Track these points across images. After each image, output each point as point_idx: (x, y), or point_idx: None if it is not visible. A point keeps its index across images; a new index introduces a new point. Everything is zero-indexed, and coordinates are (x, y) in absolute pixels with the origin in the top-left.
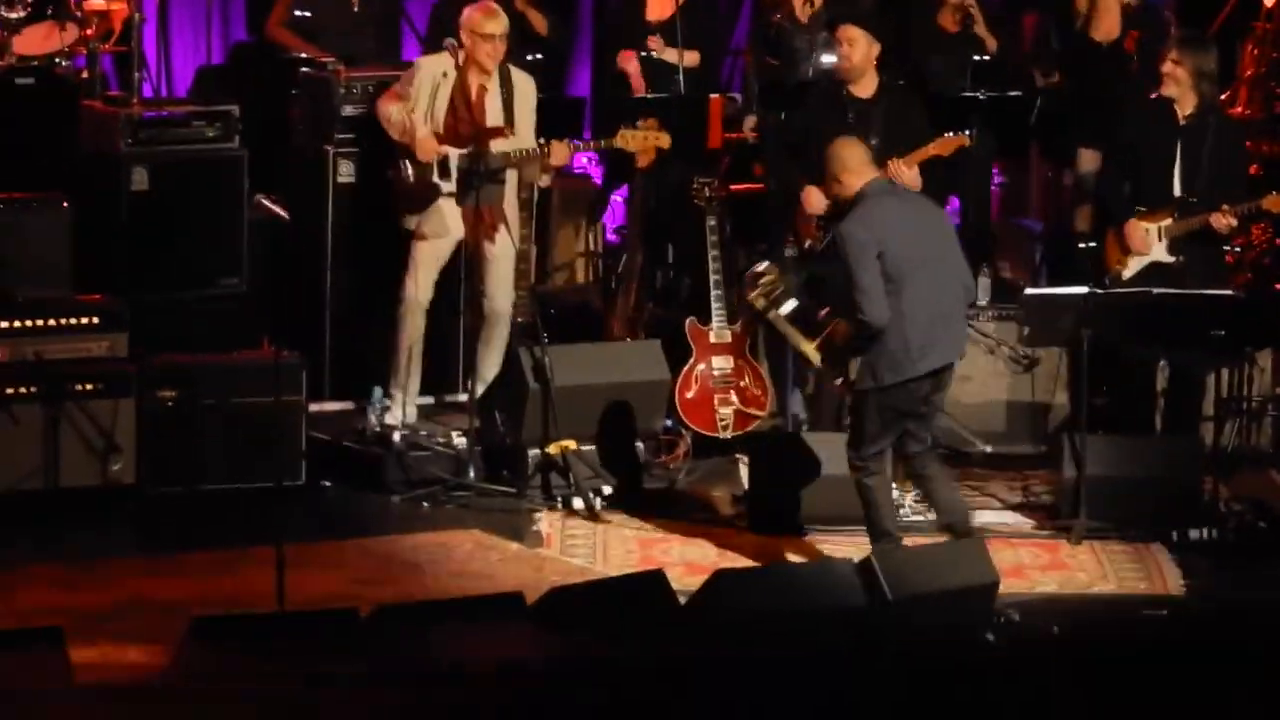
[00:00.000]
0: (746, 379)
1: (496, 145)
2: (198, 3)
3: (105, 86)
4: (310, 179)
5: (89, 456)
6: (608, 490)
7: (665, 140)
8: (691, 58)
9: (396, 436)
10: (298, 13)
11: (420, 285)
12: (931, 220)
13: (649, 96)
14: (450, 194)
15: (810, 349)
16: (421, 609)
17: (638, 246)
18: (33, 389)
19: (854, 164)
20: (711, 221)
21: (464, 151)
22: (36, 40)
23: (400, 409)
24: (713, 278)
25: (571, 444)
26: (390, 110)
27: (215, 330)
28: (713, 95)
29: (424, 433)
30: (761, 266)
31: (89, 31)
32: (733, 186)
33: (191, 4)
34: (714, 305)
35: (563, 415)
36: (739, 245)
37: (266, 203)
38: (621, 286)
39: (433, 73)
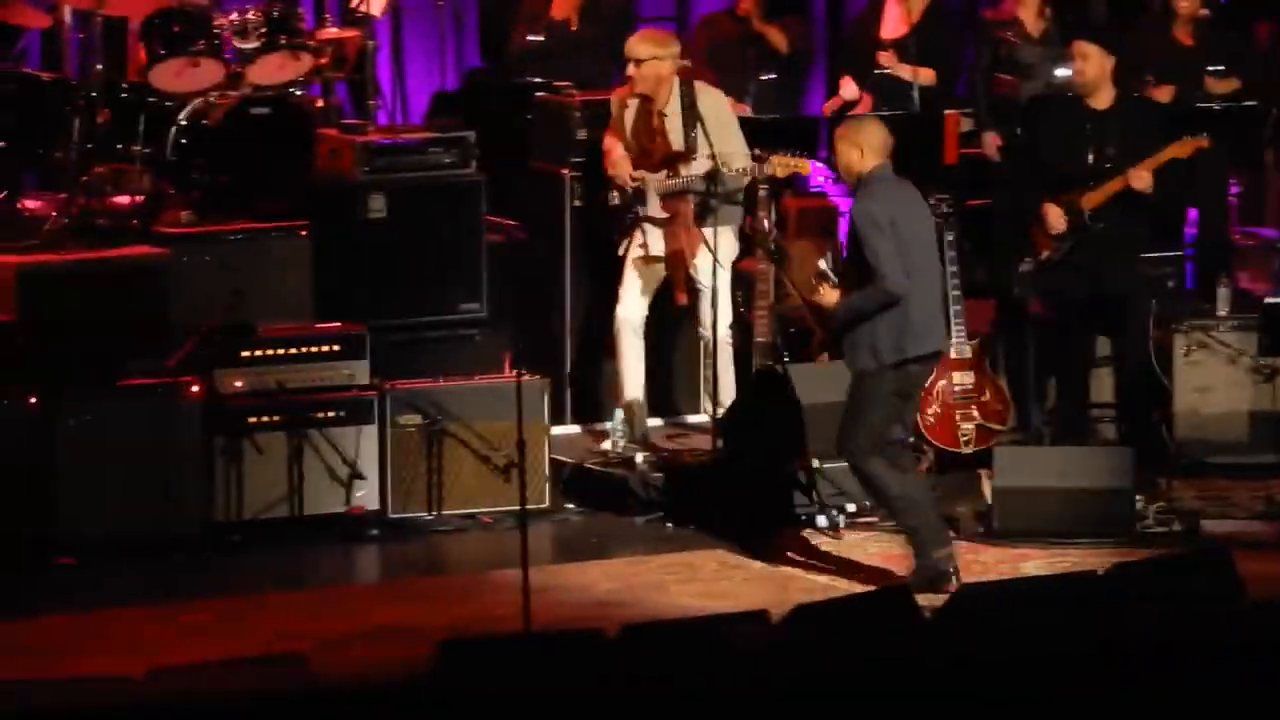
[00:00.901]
0: (987, 394)
1: (690, 168)
2: (431, 30)
3: (340, 115)
4: (547, 203)
5: (332, 484)
6: (851, 508)
7: (806, 167)
8: (927, 75)
9: (640, 458)
10: (530, 37)
11: (629, 306)
12: (927, 213)
13: (884, 114)
14: (650, 218)
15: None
16: (668, 629)
17: None
18: (276, 418)
19: (877, 144)
20: (948, 237)
21: (658, 176)
22: (271, 70)
23: (628, 430)
24: (950, 294)
25: (814, 462)
26: (605, 141)
27: (456, 355)
28: (947, 112)
29: (666, 454)
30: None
31: (323, 60)
32: (968, 202)
33: (425, 31)
34: (952, 321)
35: (805, 434)
36: (975, 261)
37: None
38: None
39: (620, 102)
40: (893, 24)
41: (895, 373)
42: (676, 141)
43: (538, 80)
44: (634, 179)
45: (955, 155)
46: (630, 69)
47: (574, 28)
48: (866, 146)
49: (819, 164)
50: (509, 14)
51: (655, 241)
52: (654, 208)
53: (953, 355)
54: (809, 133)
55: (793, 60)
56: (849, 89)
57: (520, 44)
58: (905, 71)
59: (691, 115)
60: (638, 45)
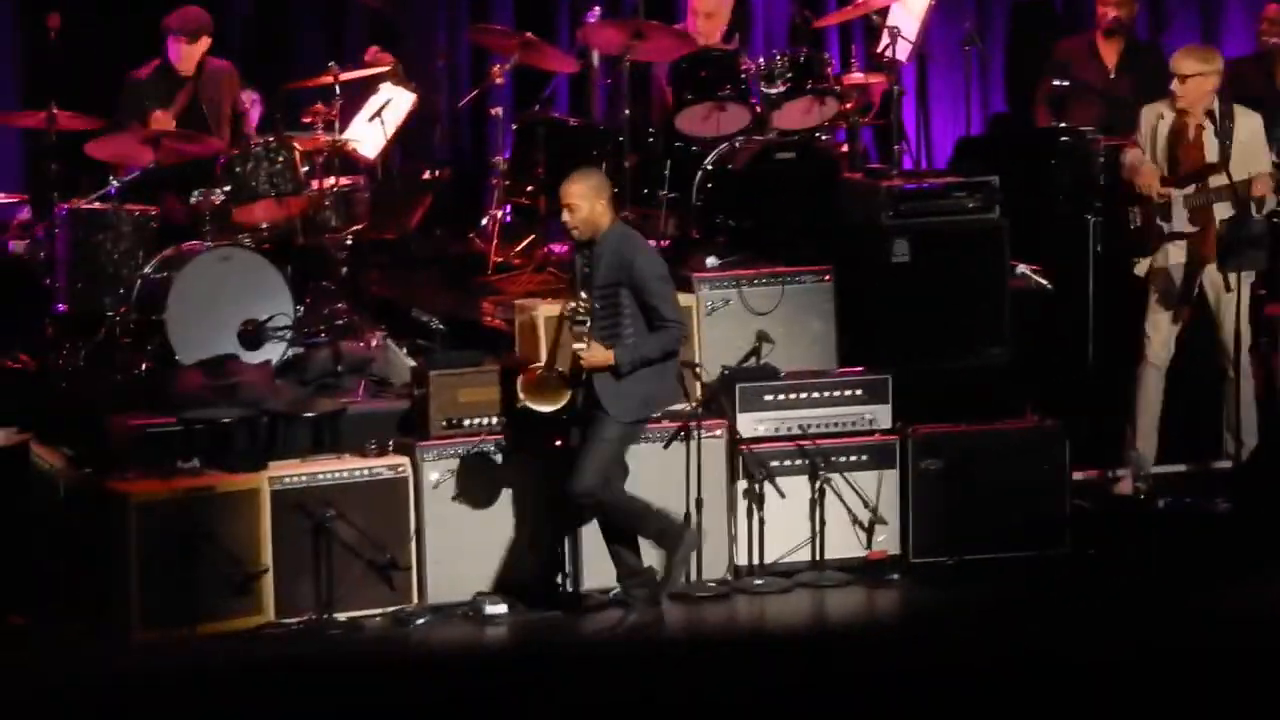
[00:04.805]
0: None
1: (1216, 180)
2: (956, 75)
3: (865, 160)
4: (1071, 248)
5: (853, 528)
6: None
7: None
8: None
9: (1161, 503)
10: (1055, 83)
11: (1157, 347)
12: None
13: None
14: (1175, 236)
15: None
16: None
17: None
18: (798, 461)
19: (609, 196)
20: None
21: (1187, 193)
22: (796, 115)
23: (1147, 473)
24: None
25: None
26: (1125, 155)
27: (979, 399)
28: None
29: (1187, 499)
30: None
31: (848, 105)
32: None
33: (950, 76)
34: None
35: None
36: None
37: (1028, 271)
38: None
39: (1151, 116)
40: None
41: (643, 425)
42: (1210, 154)
43: (1063, 125)
44: (1161, 195)
45: None
46: (1174, 84)
47: (1111, 76)
48: (607, 200)
49: None
50: (1036, 59)
51: (1178, 258)
52: (1180, 222)
53: None
54: None
55: None
56: None
57: (1048, 90)
58: None
59: (1226, 132)
60: (1184, 60)
